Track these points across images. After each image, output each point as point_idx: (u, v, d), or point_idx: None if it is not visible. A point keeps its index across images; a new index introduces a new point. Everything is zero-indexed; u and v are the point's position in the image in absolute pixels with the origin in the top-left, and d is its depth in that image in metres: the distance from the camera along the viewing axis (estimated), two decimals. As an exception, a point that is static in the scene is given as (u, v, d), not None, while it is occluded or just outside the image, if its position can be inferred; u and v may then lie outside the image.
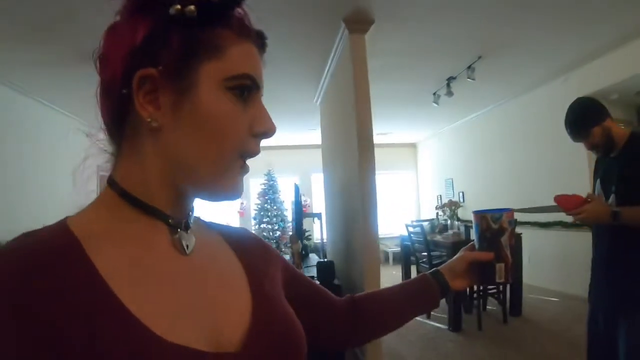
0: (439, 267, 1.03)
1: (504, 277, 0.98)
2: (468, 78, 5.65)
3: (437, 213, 8.08)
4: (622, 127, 2.36)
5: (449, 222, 6.99)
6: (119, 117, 0.61)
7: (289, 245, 5.54)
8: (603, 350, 2.29)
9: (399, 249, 8.87)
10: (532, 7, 4.12)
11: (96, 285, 0.51)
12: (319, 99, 6.57)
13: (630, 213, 2.07)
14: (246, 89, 0.61)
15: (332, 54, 4.82)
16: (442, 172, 10.84)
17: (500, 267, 0.97)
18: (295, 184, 6.55)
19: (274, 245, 5.52)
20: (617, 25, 4.71)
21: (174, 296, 0.57)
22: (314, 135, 7.77)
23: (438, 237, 6.06)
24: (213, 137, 0.59)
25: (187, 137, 0.58)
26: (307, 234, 7.73)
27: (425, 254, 5.94)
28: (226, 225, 0.83)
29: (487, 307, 5.77)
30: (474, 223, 1.04)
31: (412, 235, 6.29)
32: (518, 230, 5.47)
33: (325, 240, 6.64)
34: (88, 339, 0.46)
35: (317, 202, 10.84)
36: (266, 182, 10.32)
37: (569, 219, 5.98)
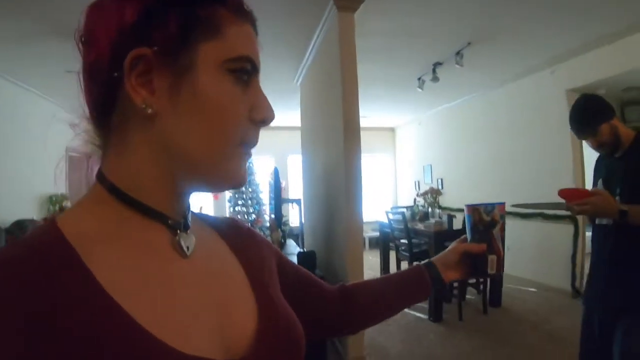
0: (431, 259, 1.04)
1: (495, 269, 1.01)
2: (456, 64, 5.56)
3: (416, 200, 7.99)
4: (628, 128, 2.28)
5: (429, 210, 6.90)
6: (107, 104, 0.55)
7: (267, 232, 5.39)
8: (597, 353, 2.23)
9: (376, 234, 8.83)
10: None
11: (98, 297, 0.47)
12: (300, 79, 6.40)
13: (639, 212, 1.99)
14: (246, 72, 0.57)
15: (316, 33, 4.62)
16: (421, 158, 10.76)
17: (492, 259, 1.01)
18: (275, 167, 6.38)
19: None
20: (608, 21, 4.73)
21: (179, 303, 0.54)
22: (292, 116, 7.56)
23: (419, 226, 6.00)
24: (214, 123, 0.55)
25: (185, 123, 0.54)
26: (284, 219, 7.58)
27: (406, 241, 5.86)
28: (218, 218, 0.79)
29: (467, 296, 5.77)
30: (466, 215, 1.04)
31: (392, 222, 6.20)
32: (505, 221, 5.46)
33: (303, 226, 6.53)
34: (91, 352, 0.43)
35: (294, 184, 10.66)
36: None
37: (549, 210, 6.01)
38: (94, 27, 0.54)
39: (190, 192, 0.63)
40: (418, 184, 10.71)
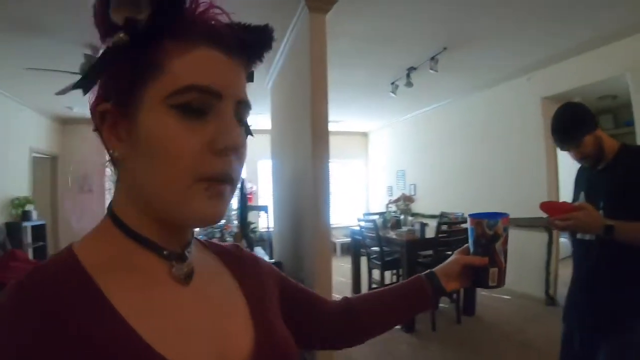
0: (433, 269, 1.05)
1: (497, 281, 1.01)
2: (430, 69, 5.46)
3: (388, 206, 7.88)
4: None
5: (402, 217, 6.76)
6: (108, 152, 0.61)
7: (233, 240, 5.21)
8: None
9: (347, 239, 8.70)
10: (503, 3, 4.06)
11: (111, 315, 0.52)
12: (270, 83, 6.23)
13: (626, 228, 1.87)
14: (194, 102, 0.56)
15: (287, 34, 4.44)
16: (394, 164, 10.68)
17: (493, 271, 1.00)
18: (242, 178, 6.19)
19: (217, 235, 5.52)
20: (584, 30, 4.79)
21: (180, 325, 0.58)
22: (261, 120, 7.38)
23: (391, 234, 5.84)
24: (160, 161, 0.55)
25: (141, 165, 0.57)
26: (252, 226, 7.38)
27: (377, 249, 5.72)
28: (222, 245, 0.83)
29: (440, 305, 5.70)
30: (469, 227, 1.04)
31: (363, 229, 6.06)
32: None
33: (271, 233, 6.35)
34: None
35: (264, 190, 10.37)
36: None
37: (520, 215, 5.98)
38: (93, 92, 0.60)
39: (172, 227, 0.63)
40: (391, 190, 10.65)
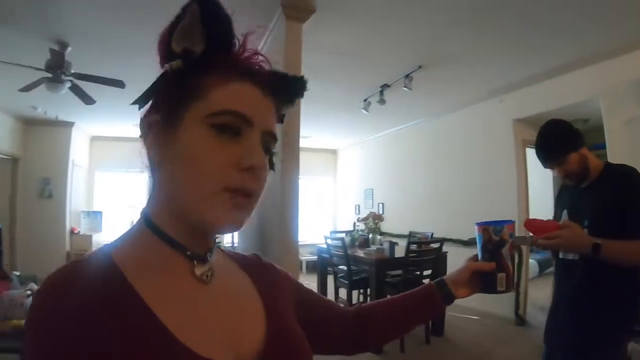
0: (443, 277, 1.08)
1: (505, 286, 1.04)
2: (404, 87, 5.45)
3: (355, 224, 7.78)
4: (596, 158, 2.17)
5: (370, 235, 6.65)
6: (149, 157, 0.70)
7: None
8: None
9: (314, 257, 8.55)
10: (481, 26, 4.13)
11: (145, 313, 0.58)
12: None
13: (613, 247, 1.83)
14: (229, 124, 0.64)
15: (262, 42, 4.33)
16: (362, 182, 10.64)
17: (501, 276, 1.03)
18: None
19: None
20: (556, 55, 4.93)
21: (201, 320, 0.65)
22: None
23: (359, 253, 5.73)
24: (192, 171, 0.63)
25: (177, 172, 0.65)
26: (217, 241, 7.16)
27: (345, 268, 5.59)
28: (242, 254, 0.90)
29: (409, 324, 5.53)
30: (476, 234, 1.09)
31: (331, 247, 5.91)
32: (444, 249, 5.38)
33: (237, 249, 6.16)
34: (138, 356, 0.54)
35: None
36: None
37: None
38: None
39: (198, 231, 0.68)
40: (358, 208, 10.57)
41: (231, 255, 0.87)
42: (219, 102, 0.64)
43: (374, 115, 6.93)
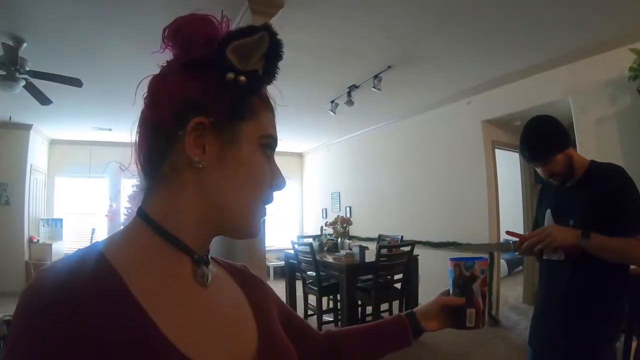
0: (413, 309, 1.10)
1: (474, 322, 1.03)
2: (373, 87, 5.37)
3: (323, 228, 7.65)
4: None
5: (339, 240, 6.52)
6: (161, 155, 0.69)
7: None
8: None
9: (281, 263, 8.39)
10: (451, 26, 4.12)
11: (139, 314, 0.57)
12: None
13: (600, 240, 1.84)
14: (270, 147, 0.73)
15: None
16: (329, 185, 10.55)
17: (471, 312, 1.03)
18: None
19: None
20: (524, 57, 5.03)
21: (198, 324, 0.65)
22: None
23: (328, 258, 5.57)
24: (249, 183, 0.70)
25: (227, 180, 0.68)
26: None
27: (314, 274, 5.45)
28: (231, 263, 0.91)
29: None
30: (449, 269, 1.09)
31: (298, 253, 5.76)
32: (415, 252, 5.34)
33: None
34: None
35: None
36: (138, 182, 9.18)
37: (462, 238, 5.97)
38: (159, 95, 0.68)
39: (217, 234, 0.73)
40: (325, 212, 10.47)
41: (221, 262, 0.88)
42: (267, 126, 0.72)
43: (341, 117, 6.85)
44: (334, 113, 6.48)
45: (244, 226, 0.71)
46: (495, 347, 4.87)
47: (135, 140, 0.72)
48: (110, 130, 8.27)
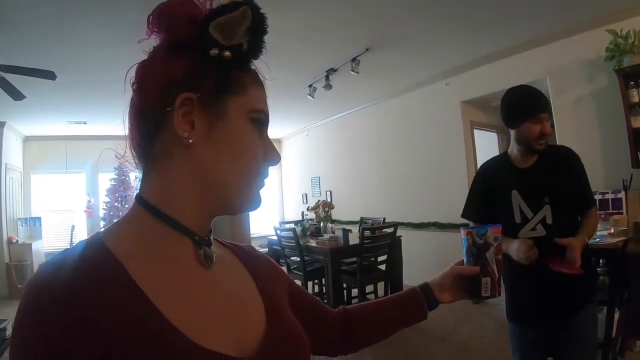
0: (427, 281, 1.09)
1: (489, 292, 1.02)
2: (352, 71, 5.34)
3: (304, 213, 7.66)
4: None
5: (321, 224, 6.54)
6: (151, 137, 0.68)
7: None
8: None
9: (264, 249, 8.39)
10: (428, 8, 4.12)
11: (140, 300, 0.58)
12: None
13: (589, 231, 2.12)
14: (261, 122, 0.74)
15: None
16: (308, 170, 10.53)
17: (486, 281, 1.02)
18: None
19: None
20: (500, 38, 5.07)
21: (202, 307, 0.65)
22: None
23: (312, 242, 5.57)
24: (241, 156, 0.70)
25: (218, 155, 0.69)
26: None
27: (298, 259, 5.47)
28: (236, 244, 0.91)
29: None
30: (462, 238, 1.08)
31: (282, 239, 5.76)
32: (397, 233, 5.39)
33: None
34: (137, 348, 0.54)
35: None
36: (117, 177, 8.96)
37: (443, 218, 6.05)
38: (146, 77, 0.68)
39: (217, 213, 0.73)
40: (306, 197, 10.46)
41: (224, 243, 0.88)
42: (257, 101, 0.72)
43: (319, 101, 6.81)
44: (312, 97, 6.44)
45: (240, 199, 0.72)
46: (480, 323, 4.95)
47: (127, 127, 0.71)
48: (85, 123, 8.09)
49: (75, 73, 5.14)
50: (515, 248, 1.99)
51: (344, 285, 5.39)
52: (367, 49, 5.06)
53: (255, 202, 0.74)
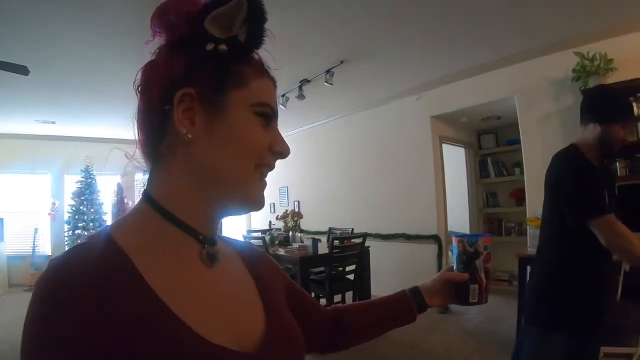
0: (417, 285, 1.13)
1: (477, 298, 1.06)
2: (325, 82, 5.40)
3: (271, 223, 7.65)
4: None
5: (290, 233, 6.56)
6: (156, 136, 0.70)
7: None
8: None
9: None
10: (403, 23, 4.19)
11: (148, 294, 0.59)
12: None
13: None
14: (267, 115, 0.72)
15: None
16: (277, 180, 10.44)
17: (474, 288, 1.05)
18: (118, 183, 5.67)
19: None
20: (470, 57, 5.19)
21: (205, 303, 0.66)
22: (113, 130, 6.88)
23: (281, 251, 5.57)
24: (241, 151, 0.69)
25: (218, 150, 0.68)
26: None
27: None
28: (237, 241, 0.92)
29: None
30: (452, 245, 1.11)
31: (251, 247, 5.73)
32: (366, 243, 5.44)
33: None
34: (146, 342, 0.55)
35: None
36: (83, 179, 8.75)
37: (411, 230, 6.12)
38: (148, 79, 0.70)
39: (220, 217, 0.75)
40: (273, 207, 10.42)
41: (228, 241, 0.88)
42: (260, 94, 0.71)
43: (291, 110, 6.82)
44: (285, 107, 6.46)
45: (242, 196, 0.71)
46: (448, 332, 5.01)
47: (135, 129, 0.72)
48: (54, 123, 7.82)
49: (49, 71, 5.00)
50: None
51: (313, 294, 5.41)
52: (341, 61, 5.13)
53: (257, 197, 0.73)
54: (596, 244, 1.94)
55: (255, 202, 0.72)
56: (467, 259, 1.07)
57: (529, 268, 2.27)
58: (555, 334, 2.02)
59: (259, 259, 0.90)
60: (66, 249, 0.73)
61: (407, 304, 1.08)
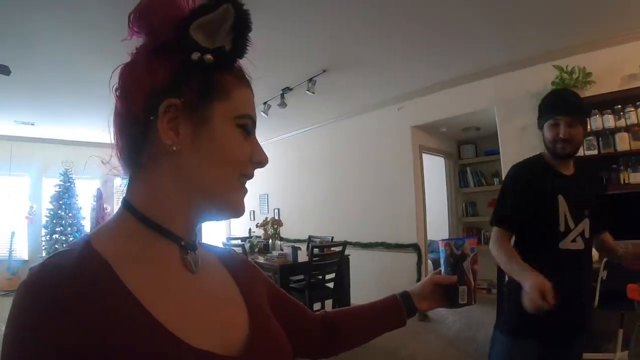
0: (407, 289, 1.13)
1: (466, 299, 1.07)
2: (307, 90, 5.41)
3: (251, 230, 7.62)
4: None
5: (270, 241, 6.54)
6: (139, 145, 0.68)
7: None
8: None
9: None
10: (385, 34, 4.23)
11: (129, 301, 0.58)
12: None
13: None
14: (248, 127, 0.73)
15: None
16: (257, 187, 10.39)
17: (463, 289, 1.07)
18: (98, 189, 5.61)
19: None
20: (451, 68, 5.29)
21: (188, 309, 0.66)
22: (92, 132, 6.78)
23: (261, 259, 5.56)
24: (225, 162, 0.70)
25: (202, 160, 0.68)
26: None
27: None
28: (218, 247, 0.92)
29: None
30: (440, 249, 1.13)
31: (230, 255, 5.70)
32: (345, 252, 5.45)
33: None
34: (129, 350, 0.54)
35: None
36: (62, 182, 8.58)
37: (391, 239, 6.14)
38: (130, 84, 0.68)
39: (200, 223, 0.75)
40: (253, 214, 10.37)
41: (208, 247, 0.88)
42: (243, 106, 0.72)
43: (273, 118, 6.83)
44: (266, 115, 6.46)
45: (225, 204, 0.72)
46: (428, 339, 5.05)
47: (112, 133, 0.70)
48: (33, 124, 7.61)
49: (30, 71, 4.90)
50: (530, 285, 1.69)
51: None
52: (324, 70, 5.16)
53: (238, 206, 0.73)
54: (547, 250, 1.98)
55: (237, 209, 0.73)
56: (455, 261, 1.08)
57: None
58: (522, 341, 1.99)
59: (240, 265, 0.90)
60: (43, 253, 0.72)
61: (398, 308, 1.09)
